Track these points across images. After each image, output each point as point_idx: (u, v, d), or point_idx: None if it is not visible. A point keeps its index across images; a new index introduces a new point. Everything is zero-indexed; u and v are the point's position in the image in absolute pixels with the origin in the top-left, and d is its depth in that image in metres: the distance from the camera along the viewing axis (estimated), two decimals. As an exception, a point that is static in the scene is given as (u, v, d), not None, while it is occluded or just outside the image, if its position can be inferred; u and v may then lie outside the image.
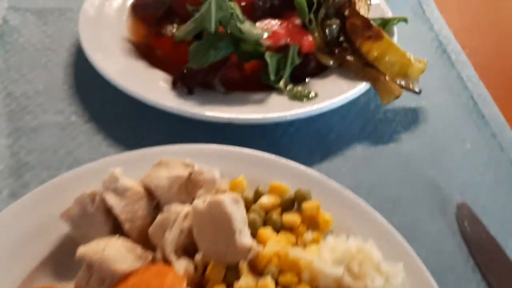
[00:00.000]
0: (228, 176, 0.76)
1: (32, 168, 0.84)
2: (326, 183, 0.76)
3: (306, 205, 0.71)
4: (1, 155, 0.85)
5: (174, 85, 0.91)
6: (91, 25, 1.03)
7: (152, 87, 0.91)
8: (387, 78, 0.92)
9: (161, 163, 0.73)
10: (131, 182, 0.71)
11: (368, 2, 1.04)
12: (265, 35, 0.91)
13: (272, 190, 0.74)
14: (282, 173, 0.77)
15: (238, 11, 0.91)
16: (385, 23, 1.03)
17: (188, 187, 0.73)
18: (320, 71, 0.98)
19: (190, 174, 0.72)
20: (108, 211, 0.69)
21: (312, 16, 0.98)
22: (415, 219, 0.80)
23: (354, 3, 1.00)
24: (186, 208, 0.68)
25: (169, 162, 0.73)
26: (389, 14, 1.09)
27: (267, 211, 0.72)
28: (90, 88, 0.98)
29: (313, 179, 0.77)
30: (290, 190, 0.74)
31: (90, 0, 1.08)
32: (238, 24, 0.90)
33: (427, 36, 1.16)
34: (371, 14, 1.05)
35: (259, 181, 0.76)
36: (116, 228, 0.69)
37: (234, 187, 0.75)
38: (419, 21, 1.20)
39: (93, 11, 1.06)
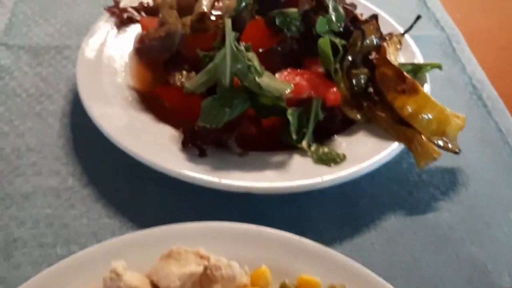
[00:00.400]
0: (247, 262, 0.66)
1: (24, 245, 0.74)
2: (362, 275, 0.66)
3: (341, 308, 0.61)
4: (-12, 229, 0.75)
5: (184, 146, 0.81)
6: (90, 70, 0.93)
7: (159, 147, 0.81)
8: (423, 137, 0.82)
9: (171, 255, 0.63)
10: (136, 279, 0.61)
11: (398, 46, 0.94)
12: (288, 90, 0.81)
13: (302, 285, 0.64)
14: (312, 260, 0.67)
15: (256, 63, 0.81)
16: (417, 70, 0.93)
17: (203, 283, 0.62)
18: (347, 126, 0.88)
19: (206, 268, 0.62)
20: (110, 317, 0.60)
21: (337, 64, 0.88)
22: (461, 311, 0.70)
23: (384, 50, 0.89)
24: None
25: (180, 253, 0.63)
26: (419, 57, 0.98)
27: (296, 312, 0.62)
28: (90, 143, 0.87)
29: (346, 269, 0.66)
30: (322, 283, 0.64)
31: (88, 39, 0.98)
32: (257, 78, 0.80)
33: (460, 80, 1.06)
34: (401, 57, 0.95)
35: (285, 270, 0.66)
36: (119, 337, 0.60)
37: (255, 280, 0.64)
38: (449, 61, 1.10)
39: (92, 53, 0.96)
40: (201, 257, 0.63)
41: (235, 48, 0.80)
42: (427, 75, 0.93)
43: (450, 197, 0.84)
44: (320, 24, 0.88)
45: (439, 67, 0.94)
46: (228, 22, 0.82)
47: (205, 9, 0.95)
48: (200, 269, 0.61)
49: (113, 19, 1.03)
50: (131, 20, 1.03)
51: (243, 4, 0.90)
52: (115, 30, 1.02)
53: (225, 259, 0.63)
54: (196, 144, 0.81)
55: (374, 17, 0.94)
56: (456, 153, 0.84)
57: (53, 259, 0.71)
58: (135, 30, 1.02)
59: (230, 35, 0.81)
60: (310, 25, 0.90)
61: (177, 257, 0.63)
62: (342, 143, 0.85)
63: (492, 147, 0.93)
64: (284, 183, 0.77)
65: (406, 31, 0.99)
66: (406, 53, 0.98)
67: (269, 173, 0.79)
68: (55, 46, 1.06)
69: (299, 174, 0.79)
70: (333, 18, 0.89)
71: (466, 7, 1.31)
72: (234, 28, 0.83)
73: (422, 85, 0.90)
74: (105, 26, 1.02)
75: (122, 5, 1.04)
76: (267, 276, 0.65)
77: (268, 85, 0.81)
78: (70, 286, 0.61)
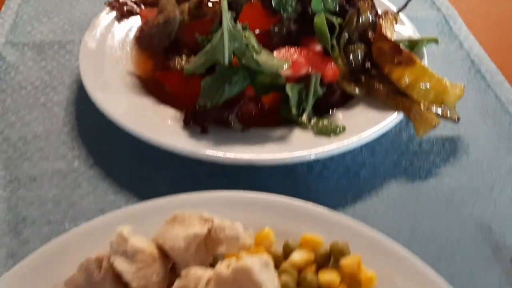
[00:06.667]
0: (252, 227, 0.66)
1: (32, 223, 0.75)
2: (364, 233, 0.67)
3: (345, 262, 0.62)
4: (-2, 210, 0.76)
5: (186, 124, 0.83)
6: (92, 60, 0.95)
7: (162, 127, 0.83)
8: (422, 107, 0.83)
9: (176, 219, 0.64)
10: (142, 242, 0.62)
11: (394, 23, 0.96)
12: (285, 65, 0.82)
13: (304, 244, 0.65)
14: (314, 222, 0.68)
15: (253, 41, 0.83)
16: (414, 45, 0.95)
17: (208, 245, 0.63)
18: (346, 101, 0.89)
19: (210, 230, 0.63)
20: (117, 278, 0.60)
21: (334, 41, 0.89)
22: (466, 268, 0.70)
23: (380, 26, 0.91)
24: (207, 273, 0.58)
25: (184, 217, 0.64)
26: (415, 34, 1.00)
27: (300, 269, 0.63)
28: (94, 129, 0.89)
29: (349, 228, 0.67)
30: (325, 242, 0.65)
31: (90, 32, 1.00)
32: (255, 56, 0.81)
33: (458, 55, 1.07)
34: (397, 34, 0.97)
35: (288, 232, 0.67)
36: (127, 297, 0.60)
37: (259, 241, 0.65)
38: (447, 39, 1.11)
39: (94, 44, 0.98)
40: (205, 220, 0.64)
41: (232, 28, 0.82)
42: (424, 50, 0.95)
43: (451, 164, 0.85)
44: (316, 3, 0.90)
45: (435, 41, 0.96)
46: (225, 2, 0.84)
47: (203, -5, 0.97)
48: (204, 230, 0.62)
49: (113, 13, 1.05)
50: (131, 13, 1.06)
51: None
52: (115, 22, 1.04)
53: (228, 220, 0.64)
54: (197, 121, 0.82)
55: (369, -5, 0.95)
56: (455, 121, 0.85)
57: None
58: (135, 22, 1.05)
59: (226, 15, 0.82)
60: (306, 5, 0.91)
61: (181, 220, 0.64)
62: (341, 117, 0.86)
63: (492, 117, 0.94)
64: (286, 154, 0.78)
65: (401, 9, 1.00)
66: (402, 30, 1.00)
67: (270, 146, 0.80)
68: (58, 41, 1.09)
69: (300, 145, 0.80)
70: (328, -3, 0.91)
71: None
72: (231, 10, 0.85)
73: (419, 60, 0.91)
74: (106, 19, 1.04)
75: (122, -2, 1.07)
76: (271, 237, 0.66)
77: (265, 62, 0.82)
78: (77, 255, 0.62)
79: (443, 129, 0.89)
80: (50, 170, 0.83)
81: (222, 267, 0.56)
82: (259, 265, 0.55)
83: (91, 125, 0.90)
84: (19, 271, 0.62)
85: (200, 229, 0.62)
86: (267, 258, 0.57)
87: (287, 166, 0.83)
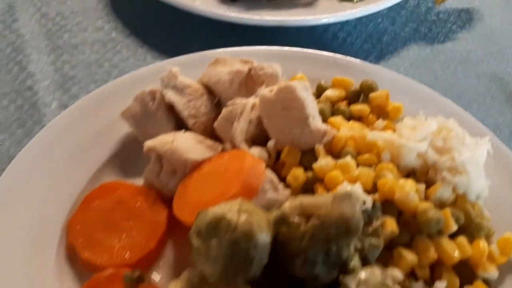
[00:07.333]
0: (286, 76, 0.72)
1: (79, 82, 0.81)
2: (390, 75, 0.73)
3: (374, 95, 0.68)
4: (45, 71, 0.82)
5: (217, -8, 0.87)
6: None
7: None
8: (440, -25, 0.88)
9: (218, 61, 0.70)
10: (189, 80, 0.68)
11: None
12: None
13: (336, 84, 0.71)
14: (343, 68, 0.74)
15: None
16: None
17: (249, 84, 0.69)
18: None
19: (250, 69, 0.68)
20: (170, 108, 0.67)
21: None
22: (482, 113, 0.77)
23: None
24: (252, 100, 0.65)
25: (226, 60, 0.70)
26: None
27: (333, 103, 0.69)
28: (127, 4, 0.94)
29: (376, 72, 0.73)
30: (355, 84, 0.71)
31: None
32: None
33: None
34: None
35: (320, 78, 0.73)
36: (179, 126, 0.67)
37: (295, 83, 0.71)
38: None
39: None
40: (245, 61, 0.70)
41: None
42: None
43: (467, 30, 0.90)
44: None
45: None
46: None
47: None
48: (245, 68, 0.68)
49: None
50: None
51: None
52: None
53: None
54: (228, -10, 0.87)
55: None
56: (471, -10, 0.90)
57: (107, 89, 0.78)
58: None
59: None
60: None
61: (223, 62, 0.70)
62: (364, -13, 0.90)
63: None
64: (313, 16, 0.83)
65: None
66: None
67: (297, 11, 0.85)
68: None
69: (326, 10, 0.85)
70: None
71: None
72: None
73: None
74: None
75: None
76: (304, 79, 0.71)
77: None
78: (130, 93, 0.67)
79: (459, 2, 0.93)
80: (90, 39, 0.88)
81: (266, 91, 0.62)
82: (300, 86, 0.61)
83: (124, 3, 0.95)
84: (78, 108, 0.68)
85: (241, 67, 0.68)
86: (306, 83, 0.63)
87: (313, 35, 0.88)
